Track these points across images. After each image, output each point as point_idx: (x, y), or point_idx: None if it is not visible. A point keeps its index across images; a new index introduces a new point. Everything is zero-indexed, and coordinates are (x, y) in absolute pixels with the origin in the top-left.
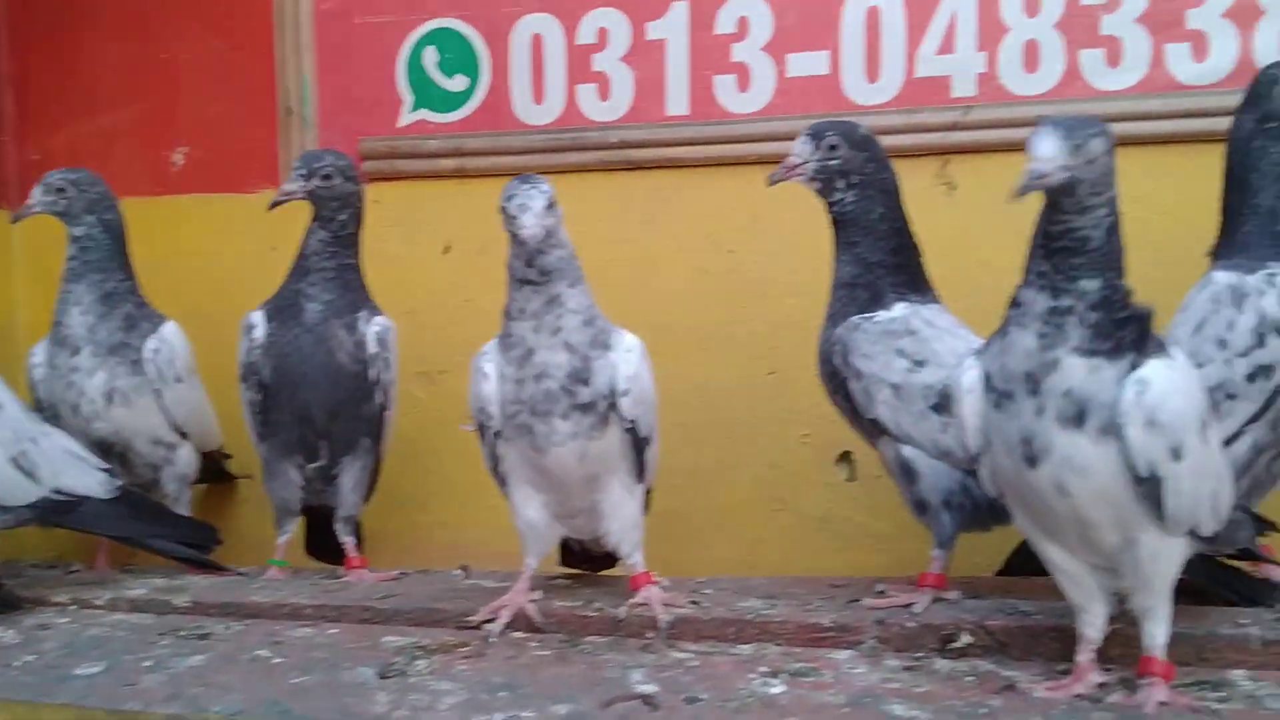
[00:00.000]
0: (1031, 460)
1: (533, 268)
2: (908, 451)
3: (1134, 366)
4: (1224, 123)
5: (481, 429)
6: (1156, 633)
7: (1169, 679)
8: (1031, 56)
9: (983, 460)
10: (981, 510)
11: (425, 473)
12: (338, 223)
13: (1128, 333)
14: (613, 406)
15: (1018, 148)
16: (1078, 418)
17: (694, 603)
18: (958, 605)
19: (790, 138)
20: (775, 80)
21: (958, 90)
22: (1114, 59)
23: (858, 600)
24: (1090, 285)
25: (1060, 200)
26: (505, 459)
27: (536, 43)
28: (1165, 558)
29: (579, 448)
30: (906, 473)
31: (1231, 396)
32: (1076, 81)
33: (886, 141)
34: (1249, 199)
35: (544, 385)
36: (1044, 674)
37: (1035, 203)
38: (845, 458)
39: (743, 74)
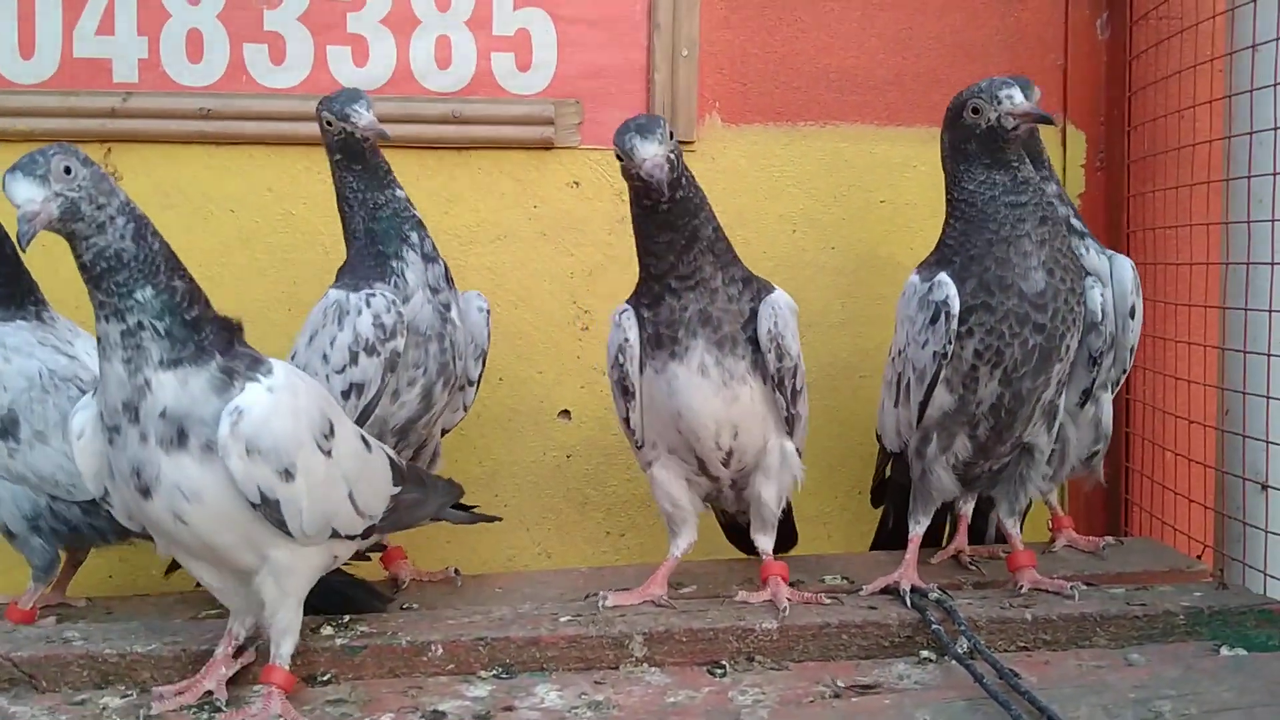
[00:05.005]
0: (145, 491)
1: None
2: None
3: (225, 373)
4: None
5: None
6: (283, 644)
7: (289, 689)
8: (195, 46)
9: (114, 500)
10: (81, 530)
11: None
12: None
13: (206, 334)
14: None
15: (181, 140)
16: (179, 438)
17: None
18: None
19: None
20: None
21: (120, 75)
22: (278, 56)
23: None
24: (145, 294)
25: (73, 230)
26: None
27: None
28: (301, 568)
29: None
30: None
31: None
32: (241, 75)
33: (43, 125)
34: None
35: None
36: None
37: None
38: None
39: None
